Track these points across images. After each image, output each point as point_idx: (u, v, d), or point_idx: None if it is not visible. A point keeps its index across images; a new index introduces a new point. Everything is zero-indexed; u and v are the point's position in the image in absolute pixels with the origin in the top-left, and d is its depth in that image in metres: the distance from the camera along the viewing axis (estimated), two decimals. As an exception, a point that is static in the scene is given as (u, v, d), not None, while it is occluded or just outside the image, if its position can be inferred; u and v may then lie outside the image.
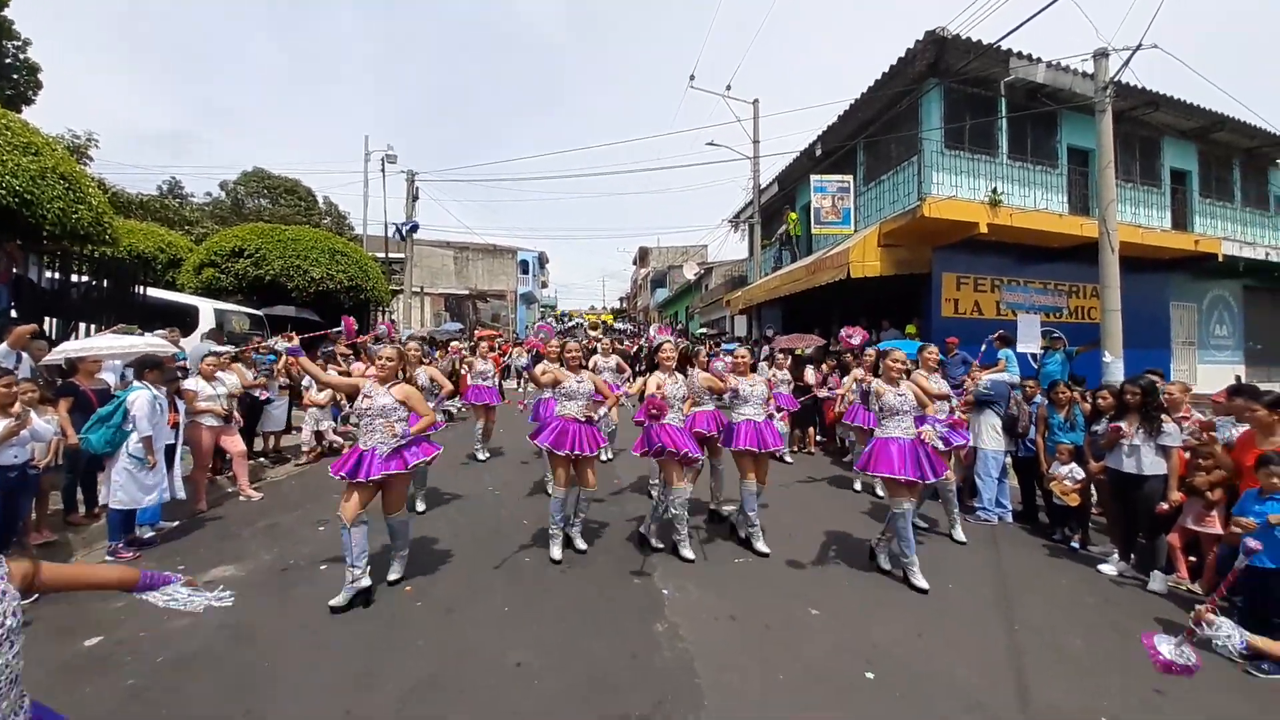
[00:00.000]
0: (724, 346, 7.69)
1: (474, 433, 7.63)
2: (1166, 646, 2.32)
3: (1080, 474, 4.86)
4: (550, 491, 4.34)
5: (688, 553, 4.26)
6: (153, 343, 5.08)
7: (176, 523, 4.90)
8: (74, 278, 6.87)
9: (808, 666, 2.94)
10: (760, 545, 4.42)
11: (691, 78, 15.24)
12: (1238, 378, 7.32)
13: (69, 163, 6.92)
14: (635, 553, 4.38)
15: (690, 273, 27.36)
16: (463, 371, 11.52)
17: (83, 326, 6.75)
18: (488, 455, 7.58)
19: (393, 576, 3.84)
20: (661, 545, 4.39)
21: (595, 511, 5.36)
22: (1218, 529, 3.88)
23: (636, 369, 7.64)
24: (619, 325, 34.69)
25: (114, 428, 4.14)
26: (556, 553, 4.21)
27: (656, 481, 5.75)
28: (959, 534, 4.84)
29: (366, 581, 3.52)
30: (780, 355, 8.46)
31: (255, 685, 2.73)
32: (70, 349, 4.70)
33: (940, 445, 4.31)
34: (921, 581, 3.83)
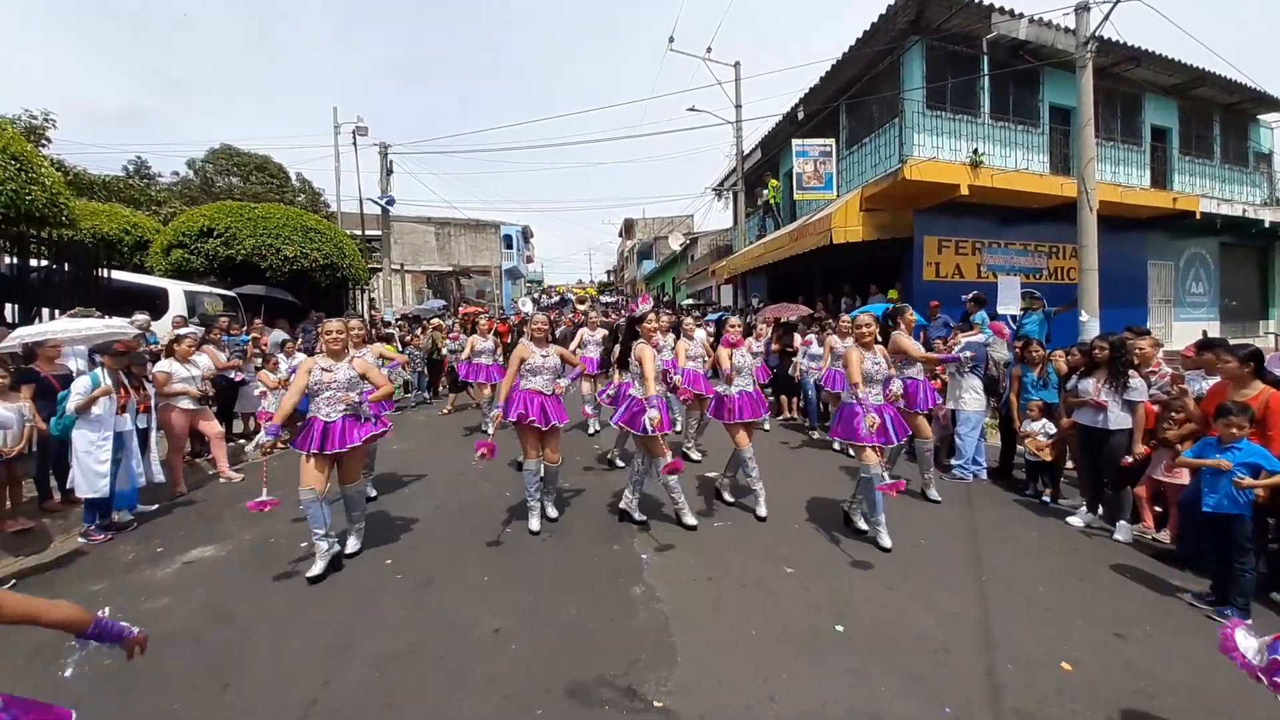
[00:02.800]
0: (707, 317, 7.66)
1: (483, 407, 7.52)
2: (1250, 648, 1.82)
3: (1053, 430, 4.95)
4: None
5: (690, 520, 4.22)
6: (112, 326, 4.94)
7: (155, 506, 4.87)
8: (33, 262, 6.63)
9: (780, 623, 3.01)
10: (760, 509, 4.45)
11: (671, 40, 14.81)
12: (1204, 333, 7.44)
13: (20, 142, 6.65)
14: (616, 522, 4.41)
15: (675, 244, 27.14)
16: (444, 351, 11.42)
17: (45, 312, 6.55)
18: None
19: (351, 550, 3.84)
20: (644, 518, 4.35)
21: (576, 481, 5.40)
22: (1185, 480, 3.97)
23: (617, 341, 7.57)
24: (605, 298, 34.49)
25: (61, 412, 4.07)
26: (535, 524, 4.24)
27: (622, 455, 5.74)
28: (933, 493, 4.93)
29: (338, 546, 3.71)
30: (761, 326, 8.45)
31: (234, 661, 2.74)
32: (26, 334, 4.56)
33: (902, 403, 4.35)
34: (886, 541, 3.89)
